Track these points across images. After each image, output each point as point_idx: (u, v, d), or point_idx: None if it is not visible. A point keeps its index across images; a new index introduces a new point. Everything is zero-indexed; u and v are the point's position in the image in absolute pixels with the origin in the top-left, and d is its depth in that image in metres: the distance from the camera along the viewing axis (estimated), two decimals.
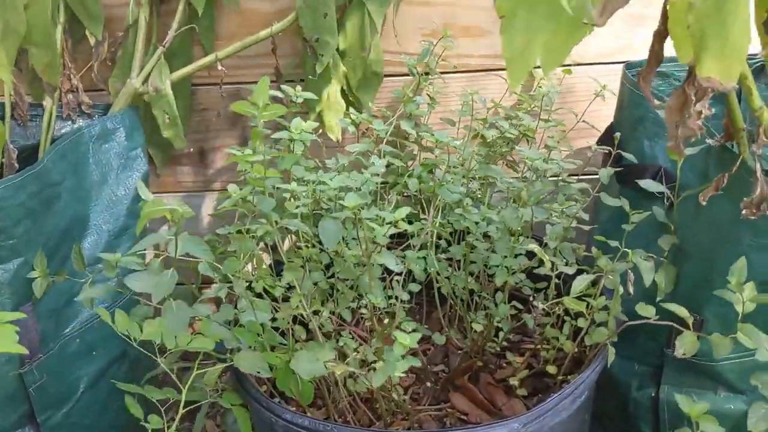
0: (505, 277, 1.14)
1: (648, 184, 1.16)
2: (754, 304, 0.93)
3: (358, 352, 1.13)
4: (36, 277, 1.10)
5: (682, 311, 0.99)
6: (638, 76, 0.93)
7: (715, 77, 0.77)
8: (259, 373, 1.00)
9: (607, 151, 1.22)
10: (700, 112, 0.85)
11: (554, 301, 1.14)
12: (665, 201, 1.15)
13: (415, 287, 1.23)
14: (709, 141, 1.05)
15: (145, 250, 1.08)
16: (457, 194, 1.16)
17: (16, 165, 1.21)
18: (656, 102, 0.96)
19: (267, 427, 1.07)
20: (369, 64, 1.42)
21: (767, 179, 0.93)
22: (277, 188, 1.07)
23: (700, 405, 0.89)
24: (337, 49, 1.41)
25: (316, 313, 1.15)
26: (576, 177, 1.29)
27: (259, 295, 1.12)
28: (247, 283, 1.10)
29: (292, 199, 1.06)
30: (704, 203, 1.00)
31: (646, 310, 1.00)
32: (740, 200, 0.97)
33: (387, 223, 0.95)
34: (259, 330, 1.07)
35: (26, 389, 1.14)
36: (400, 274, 1.20)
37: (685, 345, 0.98)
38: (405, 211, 0.97)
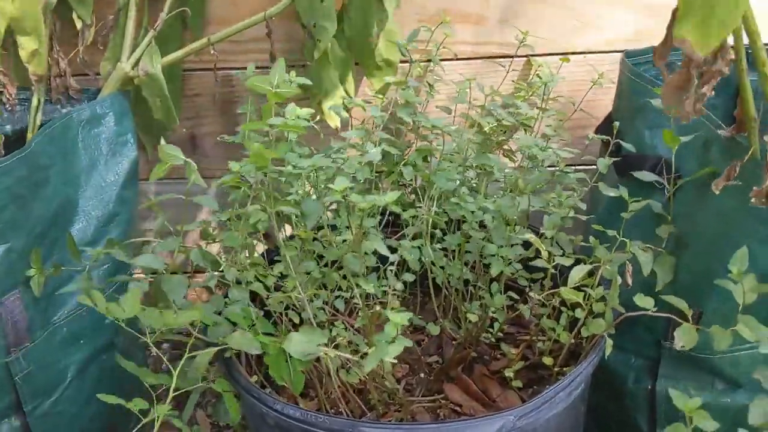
0: (501, 267, 1.12)
1: (643, 174, 1.14)
2: (755, 295, 0.91)
3: (350, 342, 1.12)
4: (33, 275, 1.08)
5: (681, 304, 0.98)
6: (654, 54, 0.91)
7: (689, 40, 0.75)
8: (252, 358, 0.99)
9: (605, 141, 1.21)
10: (704, 95, 0.83)
11: (550, 291, 1.12)
12: (665, 192, 1.13)
13: (409, 277, 1.21)
14: (721, 132, 1.03)
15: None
16: (453, 182, 1.14)
17: (2, 151, 1.19)
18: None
19: (258, 418, 1.05)
20: (380, 51, 1.39)
21: None
22: (276, 171, 1.06)
23: (694, 400, 0.87)
24: (345, 36, 1.39)
25: (310, 301, 1.13)
26: (573, 167, 1.28)
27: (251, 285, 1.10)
28: (239, 272, 1.08)
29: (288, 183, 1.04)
30: (717, 192, 0.98)
31: (644, 301, 0.99)
32: (747, 191, 0.95)
33: (376, 206, 0.94)
34: (250, 318, 1.05)
35: (12, 378, 1.12)
36: (393, 263, 1.18)
37: (685, 338, 0.96)
38: (396, 194, 0.95)
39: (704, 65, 0.78)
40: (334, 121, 1.45)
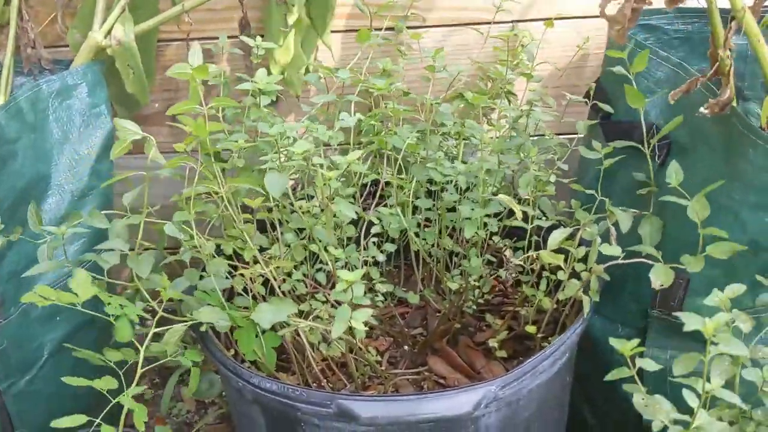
0: (475, 228, 1.09)
1: (617, 142, 1.11)
2: (707, 212, 0.91)
3: (331, 316, 1.10)
4: None
5: (649, 249, 0.97)
6: None
7: None
8: (231, 334, 0.97)
9: (590, 105, 1.18)
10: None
11: (530, 254, 1.09)
12: (656, 159, 1.10)
13: (390, 247, 1.19)
14: (697, 74, 1.00)
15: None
16: (410, 138, 1.12)
17: None
18: None
19: (236, 393, 1.03)
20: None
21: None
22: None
23: (632, 342, 0.87)
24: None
25: (288, 275, 1.11)
26: (562, 135, 1.25)
27: (230, 258, 1.08)
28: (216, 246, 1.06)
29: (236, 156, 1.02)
30: (672, 102, 0.97)
31: (612, 250, 0.98)
32: (733, 159, 0.93)
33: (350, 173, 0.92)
34: (218, 296, 1.03)
35: None
36: (375, 235, 1.16)
37: (661, 277, 0.94)
38: (357, 154, 0.94)
39: None
40: (295, 89, 1.42)
